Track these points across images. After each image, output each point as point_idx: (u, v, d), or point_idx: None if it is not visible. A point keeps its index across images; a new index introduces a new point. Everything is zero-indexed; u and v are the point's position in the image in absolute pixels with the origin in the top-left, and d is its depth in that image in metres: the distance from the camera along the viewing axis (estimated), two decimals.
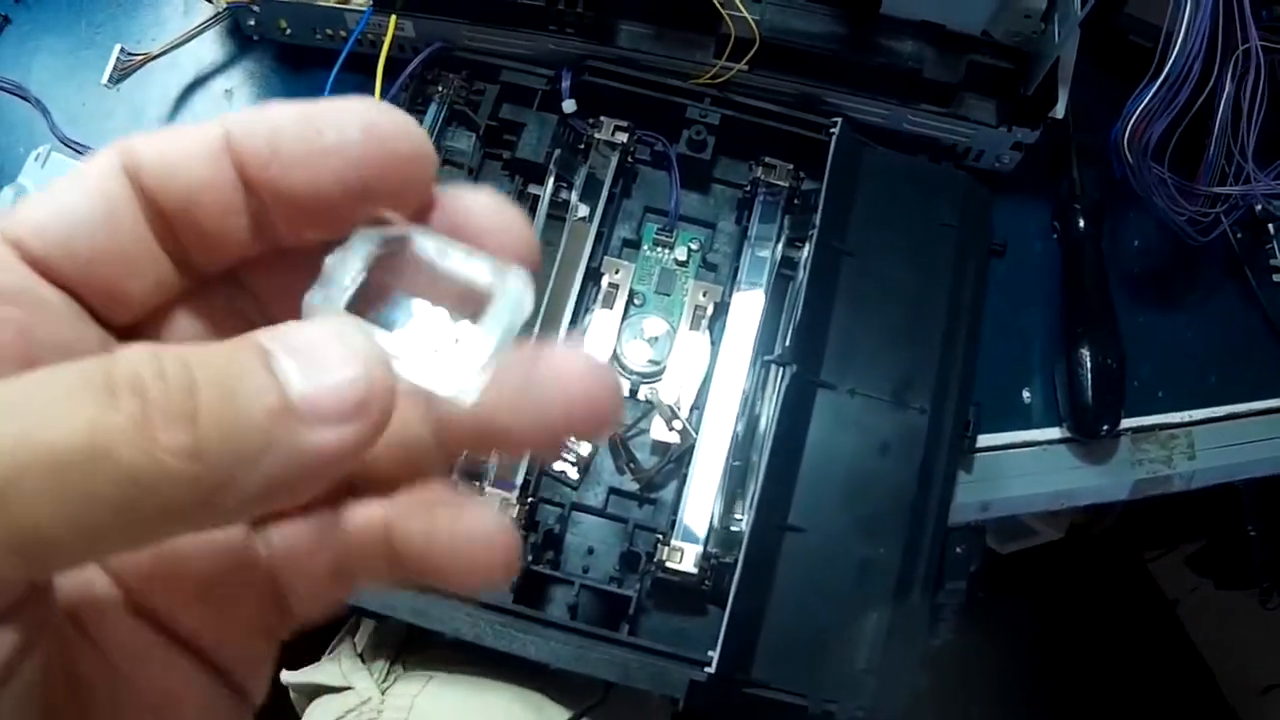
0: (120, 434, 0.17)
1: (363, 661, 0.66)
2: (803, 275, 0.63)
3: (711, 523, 0.61)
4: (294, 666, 0.70)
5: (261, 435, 0.19)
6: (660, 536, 0.60)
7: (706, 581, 0.60)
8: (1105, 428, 0.67)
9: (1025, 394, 0.70)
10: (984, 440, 0.68)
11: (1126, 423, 0.70)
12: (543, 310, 0.64)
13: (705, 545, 0.60)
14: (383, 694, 0.64)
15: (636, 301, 0.67)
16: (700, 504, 0.61)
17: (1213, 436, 0.72)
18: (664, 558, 0.59)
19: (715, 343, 0.65)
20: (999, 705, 1.43)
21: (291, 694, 0.71)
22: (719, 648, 0.56)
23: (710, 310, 0.66)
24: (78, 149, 0.70)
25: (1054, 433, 0.69)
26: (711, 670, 0.56)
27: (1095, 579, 1.42)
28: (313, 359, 0.19)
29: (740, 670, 0.58)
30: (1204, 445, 0.71)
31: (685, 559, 0.59)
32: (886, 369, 0.63)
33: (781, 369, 0.61)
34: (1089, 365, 0.67)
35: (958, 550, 0.68)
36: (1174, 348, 0.73)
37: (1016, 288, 0.72)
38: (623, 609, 0.60)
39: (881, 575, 0.60)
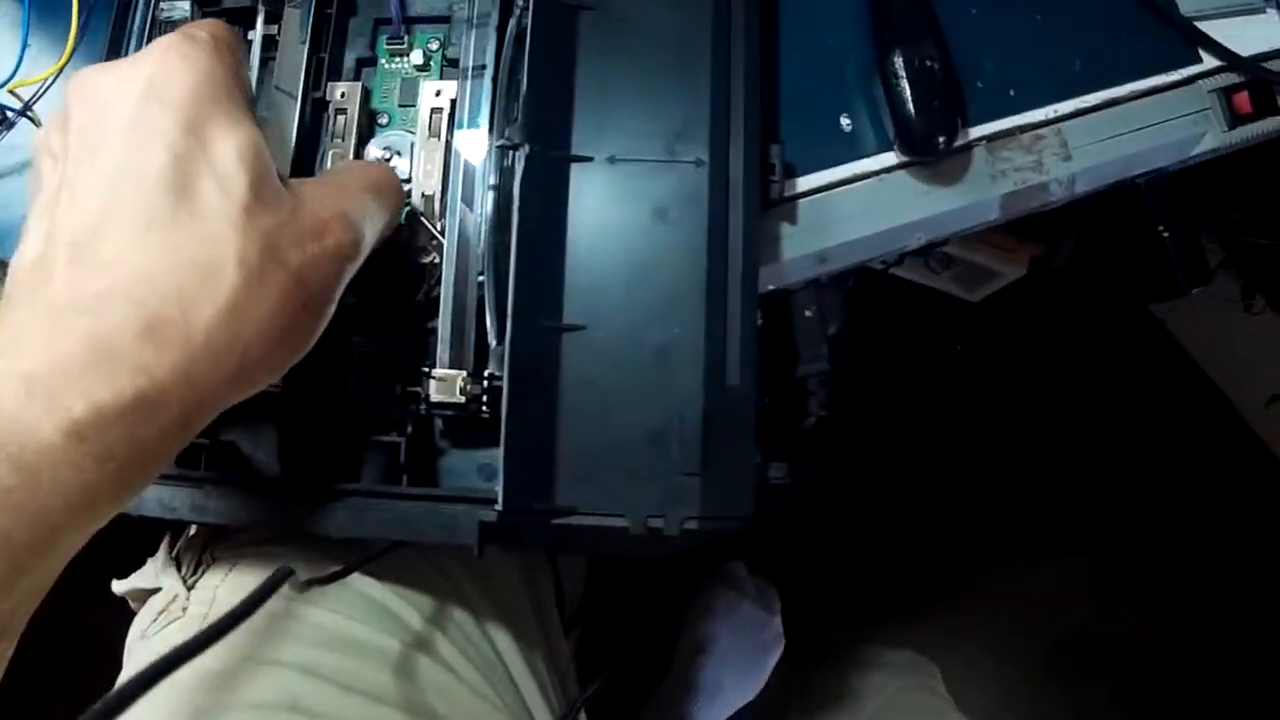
0: None
1: (173, 558, 0.61)
2: (528, 42, 0.53)
3: (481, 342, 0.53)
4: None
5: None
6: (426, 370, 0.53)
7: (484, 409, 0.52)
8: (942, 140, 0.57)
9: (844, 121, 0.59)
10: (805, 183, 0.58)
11: (976, 131, 0.59)
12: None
13: (474, 368, 0.52)
14: (189, 589, 0.59)
15: (382, 121, 0.59)
16: (461, 324, 0.53)
17: (1089, 130, 0.60)
18: (429, 391, 0.52)
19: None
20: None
21: (130, 605, 0.66)
22: (501, 479, 0.48)
23: (448, 109, 0.57)
24: None
25: (888, 159, 0.59)
26: (499, 507, 0.48)
27: (1076, 312, 1.32)
28: None
29: (539, 499, 0.50)
30: (1080, 142, 0.60)
31: (450, 388, 0.52)
32: (651, 126, 0.53)
33: (516, 151, 0.52)
34: (903, 72, 0.57)
35: (807, 314, 0.58)
36: (1021, 35, 0.61)
37: (816, 2, 0.61)
38: (396, 459, 0.53)
39: (684, 360, 0.52)
